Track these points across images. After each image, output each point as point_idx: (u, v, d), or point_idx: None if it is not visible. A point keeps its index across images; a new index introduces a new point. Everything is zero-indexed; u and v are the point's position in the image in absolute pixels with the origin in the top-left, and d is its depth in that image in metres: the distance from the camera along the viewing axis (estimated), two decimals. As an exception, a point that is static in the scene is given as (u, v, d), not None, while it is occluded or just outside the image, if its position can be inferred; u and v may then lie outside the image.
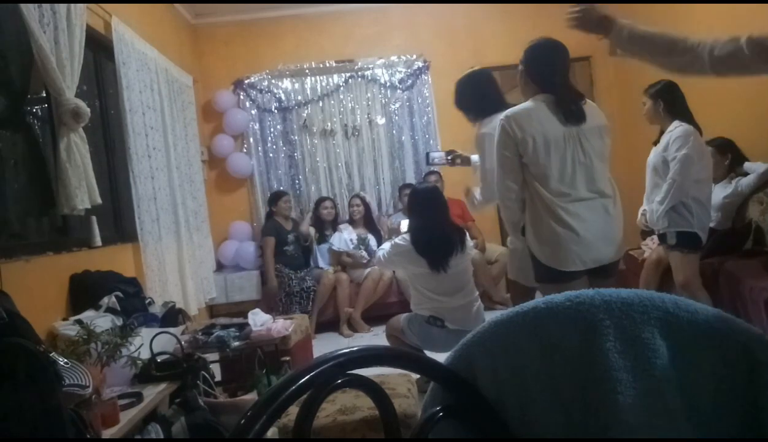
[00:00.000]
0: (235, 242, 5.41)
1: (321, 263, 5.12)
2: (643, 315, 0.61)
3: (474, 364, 0.69)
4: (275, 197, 5.18)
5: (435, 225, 3.05)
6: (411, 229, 3.15)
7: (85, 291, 2.79)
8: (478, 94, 2.72)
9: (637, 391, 0.58)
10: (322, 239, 5.19)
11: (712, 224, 3.29)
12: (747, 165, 3.65)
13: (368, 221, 5.31)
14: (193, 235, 4.51)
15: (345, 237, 5.11)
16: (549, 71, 2.25)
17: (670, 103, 3.12)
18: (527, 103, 2.27)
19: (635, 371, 0.59)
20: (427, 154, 3.35)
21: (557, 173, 2.18)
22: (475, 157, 2.98)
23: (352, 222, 5.31)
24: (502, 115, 2.26)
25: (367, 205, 5.35)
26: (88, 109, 2.81)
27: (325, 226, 5.23)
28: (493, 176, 2.40)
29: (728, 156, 3.68)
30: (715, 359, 0.61)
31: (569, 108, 2.20)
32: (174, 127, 4.37)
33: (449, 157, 3.12)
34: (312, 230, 5.20)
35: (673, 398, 0.59)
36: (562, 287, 1.85)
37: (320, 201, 5.31)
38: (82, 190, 2.75)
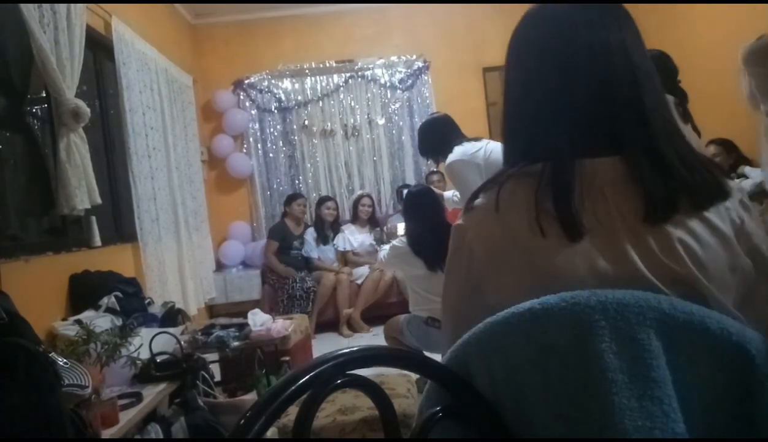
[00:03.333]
0: (238, 242, 5.41)
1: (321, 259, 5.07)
2: (639, 316, 0.61)
3: (469, 364, 0.70)
4: (289, 199, 5.14)
5: (430, 226, 3.06)
6: (406, 230, 3.17)
7: (84, 291, 2.79)
8: (437, 138, 2.88)
9: (633, 392, 0.59)
10: (323, 240, 5.15)
11: None
12: (747, 169, 3.66)
13: (373, 221, 5.30)
14: (193, 235, 4.52)
15: (348, 237, 5.09)
16: None
17: None
18: None
19: (630, 372, 0.59)
20: (399, 190, 3.40)
21: None
22: (447, 194, 3.24)
23: (355, 221, 5.29)
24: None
25: (374, 205, 5.35)
26: (88, 110, 2.81)
27: (326, 227, 5.17)
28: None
29: (734, 155, 3.70)
30: (711, 361, 0.62)
31: None
32: (174, 127, 4.37)
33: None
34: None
35: (668, 399, 0.59)
36: None
37: (322, 200, 5.22)
38: (82, 190, 2.75)
